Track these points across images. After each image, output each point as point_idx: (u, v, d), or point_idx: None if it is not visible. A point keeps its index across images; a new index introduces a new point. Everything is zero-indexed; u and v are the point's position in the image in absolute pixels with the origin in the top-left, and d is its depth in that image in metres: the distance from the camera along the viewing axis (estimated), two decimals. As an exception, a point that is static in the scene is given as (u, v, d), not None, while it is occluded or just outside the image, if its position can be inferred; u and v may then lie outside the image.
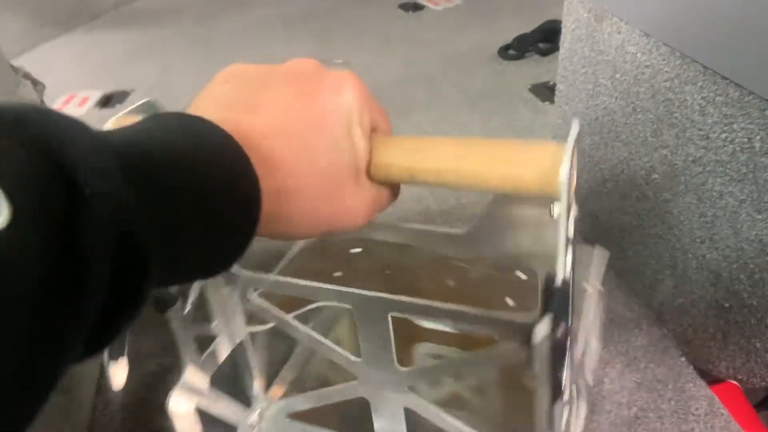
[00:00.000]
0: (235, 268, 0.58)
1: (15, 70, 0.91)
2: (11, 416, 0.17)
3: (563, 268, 0.42)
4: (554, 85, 1.65)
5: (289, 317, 0.61)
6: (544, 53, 1.81)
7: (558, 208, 0.43)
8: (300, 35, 2.28)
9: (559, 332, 0.43)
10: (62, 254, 0.18)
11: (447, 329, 0.75)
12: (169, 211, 0.25)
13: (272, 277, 0.59)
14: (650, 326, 0.87)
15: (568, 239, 0.43)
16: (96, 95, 1.87)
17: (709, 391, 0.78)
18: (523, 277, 0.70)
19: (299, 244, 0.74)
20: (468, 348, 0.74)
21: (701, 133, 0.71)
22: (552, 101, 1.55)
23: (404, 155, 0.43)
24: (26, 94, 0.83)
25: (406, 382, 0.60)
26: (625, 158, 0.87)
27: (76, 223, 0.19)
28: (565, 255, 0.43)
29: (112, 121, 0.45)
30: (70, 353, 0.20)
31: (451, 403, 0.73)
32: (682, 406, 0.77)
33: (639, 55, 0.80)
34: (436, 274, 0.75)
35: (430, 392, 0.73)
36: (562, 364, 0.44)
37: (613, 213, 0.92)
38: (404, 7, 2.41)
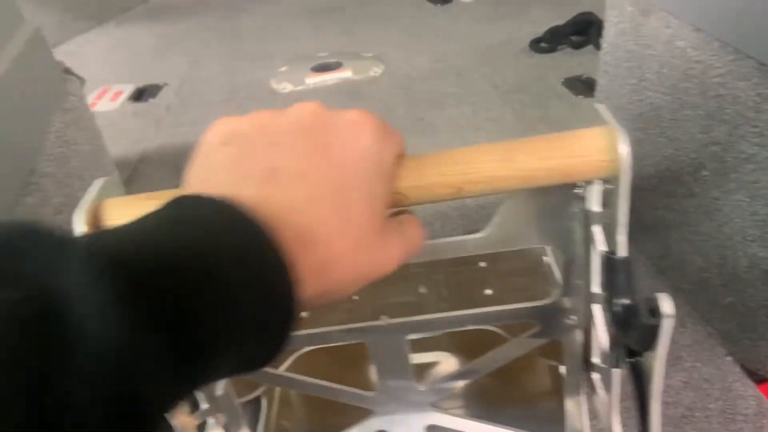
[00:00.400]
0: None
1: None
2: None
3: (624, 245, 0.43)
4: (588, 78, 1.63)
5: (287, 373, 0.60)
6: (577, 46, 1.79)
7: (593, 192, 0.45)
8: (326, 27, 2.27)
9: (621, 303, 0.43)
10: (40, 416, 0.16)
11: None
12: (190, 332, 0.22)
13: None
14: (695, 325, 0.86)
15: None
16: (129, 89, 1.89)
17: (758, 390, 0.77)
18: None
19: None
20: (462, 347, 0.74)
21: (755, 130, 0.70)
22: (586, 95, 1.54)
23: (448, 171, 0.42)
24: (73, 90, 0.84)
25: (429, 400, 0.60)
26: (671, 154, 0.86)
27: (61, 380, 0.17)
28: (625, 232, 0.43)
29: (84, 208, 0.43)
30: None
31: (470, 395, 0.72)
32: (729, 406, 0.76)
33: (689, 50, 0.78)
34: (404, 285, 0.73)
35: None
36: (628, 331, 0.44)
37: (658, 210, 0.90)
38: (432, -1, 2.40)
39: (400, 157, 0.40)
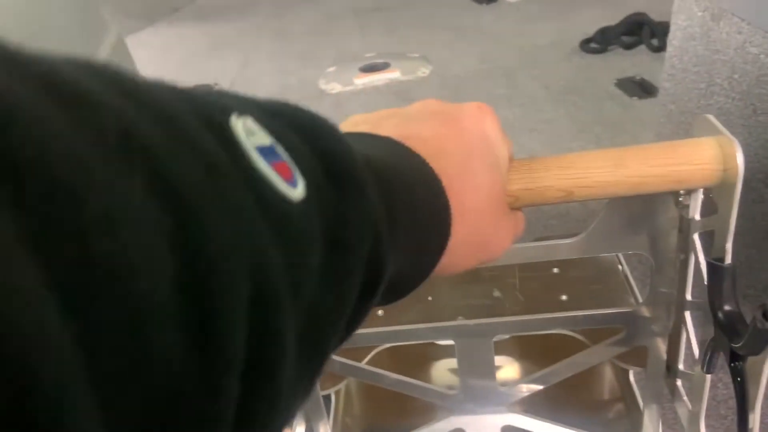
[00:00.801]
0: None
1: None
2: None
3: (730, 253, 0.44)
4: (641, 79, 1.63)
5: (370, 367, 0.62)
6: (628, 47, 1.78)
7: (696, 200, 0.46)
8: (372, 27, 2.29)
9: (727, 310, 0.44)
10: (334, 236, 0.20)
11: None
12: (392, 223, 0.25)
13: (359, 331, 0.58)
14: (763, 331, 0.85)
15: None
16: (182, 88, 1.93)
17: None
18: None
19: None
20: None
21: (835, 137, 0.69)
22: (640, 96, 1.53)
23: (561, 174, 0.44)
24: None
25: (507, 401, 0.61)
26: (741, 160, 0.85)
27: (343, 212, 0.20)
28: (731, 240, 0.44)
29: None
30: (338, 337, 0.21)
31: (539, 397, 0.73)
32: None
33: (762, 56, 0.78)
34: (478, 288, 0.75)
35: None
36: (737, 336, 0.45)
37: (724, 215, 0.90)
38: (478, -2, 2.40)
39: (510, 160, 0.41)
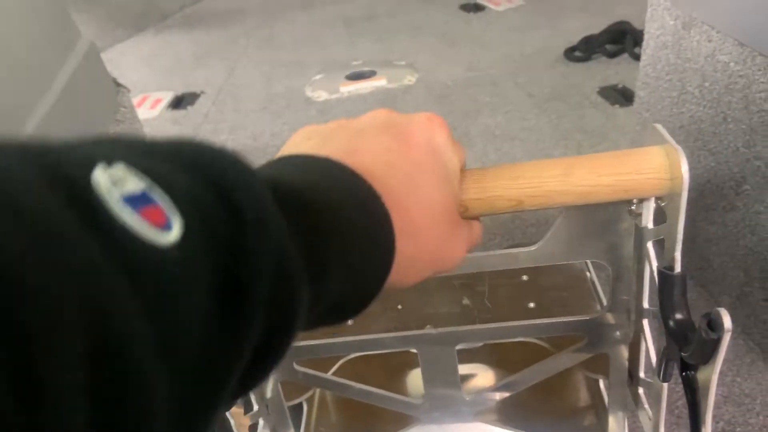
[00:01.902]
0: None
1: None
2: None
3: (679, 261, 0.44)
4: (624, 87, 1.63)
5: (336, 378, 0.62)
6: (612, 55, 1.79)
7: (648, 209, 0.46)
8: (361, 35, 2.30)
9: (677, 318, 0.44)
10: (227, 276, 0.19)
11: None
12: (317, 250, 0.24)
13: (321, 341, 0.58)
14: (736, 339, 0.86)
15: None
16: (168, 97, 1.94)
17: (800, 407, 0.77)
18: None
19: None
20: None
21: (801, 145, 0.70)
22: (622, 104, 1.54)
23: (510, 184, 0.44)
24: (124, 102, 0.88)
25: (473, 410, 0.61)
26: (712, 168, 0.86)
27: (240, 247, 0.19)
28: (680, 249, 0.44)
29: None
30: (228, 390, 0.20)
31: (508, 406, 0.73)
32: (772, 422, 0.75)
33: (732, 64, 0.78)
34: (447, 296, 0.74)
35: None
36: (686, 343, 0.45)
37: (698, 223, 0.91)
38: (465, 8, 2.41)
39: (462, 170, 0.41)
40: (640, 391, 0.58)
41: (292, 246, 0.22)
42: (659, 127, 0.44)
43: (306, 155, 0.30)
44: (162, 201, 0.17)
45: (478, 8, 2.38)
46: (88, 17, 2.34)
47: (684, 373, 0.45)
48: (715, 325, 0.39)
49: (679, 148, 0.42)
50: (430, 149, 0.34)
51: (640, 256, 0.51)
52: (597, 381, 0.73)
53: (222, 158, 0.21)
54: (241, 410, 0.59)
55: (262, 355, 0.21)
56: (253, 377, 0.21)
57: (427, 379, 0.59)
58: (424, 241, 0.32)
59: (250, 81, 2.03)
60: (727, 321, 0.38)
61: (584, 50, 1.81)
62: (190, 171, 0.19)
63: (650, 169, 0.42)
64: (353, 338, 0.57)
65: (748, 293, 0.84)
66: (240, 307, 0.19)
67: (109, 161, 0.16)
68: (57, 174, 0.15)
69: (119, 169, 0.16)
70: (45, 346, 0.13)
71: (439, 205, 0.33)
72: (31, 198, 0.14)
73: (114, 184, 0.16)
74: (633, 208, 0.49)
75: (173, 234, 0.17)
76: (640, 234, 0.49)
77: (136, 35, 2.50)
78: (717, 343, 0.39)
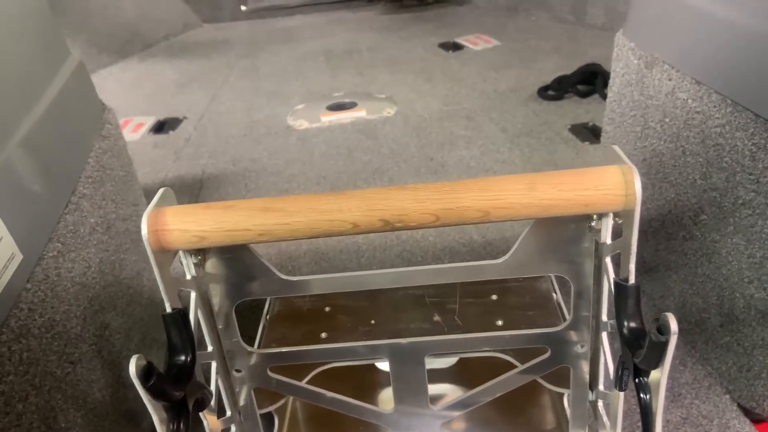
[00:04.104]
0: (249, 349, 0.59)
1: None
2: None
3: (633, 273, 0.48)
4: (594, 126, 1.70)
5: (309, 386, 0.63)
6: (583, 95, 1.86)
7: (607, 225, 0.50)
8: (343, 69, 2.36)
9: (632, 326, 0.47)
10: None
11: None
12: None
13: (294, 348, 0.60)
14: (695, 364, 0.89)
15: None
16: (150, 121, 1.96)
17: (754, 429, 0.80)
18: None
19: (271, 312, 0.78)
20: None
21: (752, 177, 0.74)
22: (591, 141, 1.60)
23: (479, 196, 0.47)
24: (110, 119, 0.90)
25: (440, 421, 0.63)
26: (672, 199, 0.90)
27: None
28: (634, 261, 0.47)
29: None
30: None
31: (476, 419, 0.75)
32: (727, 443, 0.78)
33: (690, 101, 0.83)
34: (419, 313, 0.77)
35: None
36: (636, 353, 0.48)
37: (659, 251, 0.95)
38: (444, 46, 2.48)
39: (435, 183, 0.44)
40: (600, 403, 0.61)
41: None
42: (616, 148, 0.48)
43: None
44: None
45: (456, 47, 2.46)
46: (72, 42, 2.36)
47: (636, 380, 0.48)
48: (663, 328, 0.42)
49: (633, 167, 0.46)
50: None
51: (599, 271, 0.54)
52: (561, 396, 0.75)
53: None
54: (215, 415, 0.60)
55: None
56: None
57: (397, 389, 0.61)
58: None
59: (232, 108, 2.06)
60: (673, 324, 0.41)
61: (557, 89, 1.88)
62: None
63: (607, 185, 0.46)
64: (327, 346, 0.59)
65: (705, 320, 0.88)
66: None
67: None
68: None
69: None
70: None
71: None
72: None
73: None
74: (593, 224, 0.52)
75: None
76: (599, 249, 0.53)
77: (121, 62, 2.53)
78: (665, 345, 0.42)
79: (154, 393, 0.46)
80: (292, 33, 2.87)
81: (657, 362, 0.44)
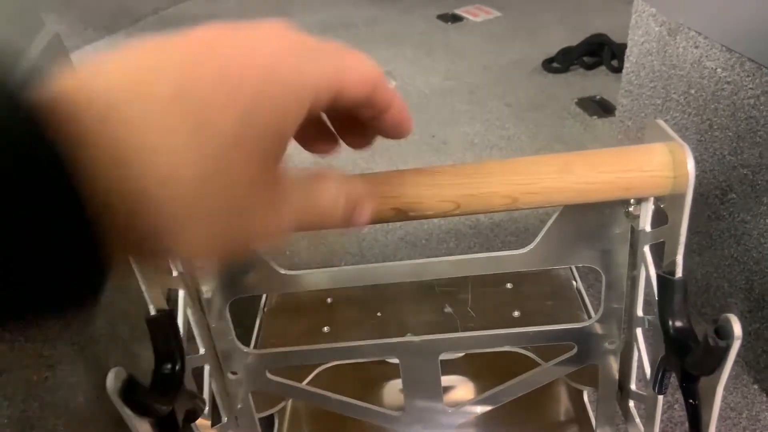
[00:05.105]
0: (246, 350, 0.54)
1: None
2: None
3: (681, 266, 0.42)
4: (602, 99, 1.63)
5: (311, 388, 0.58)
6: (589, 67, 1.79)
7: (647, 210, 0.44)
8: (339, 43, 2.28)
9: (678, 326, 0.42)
10: None
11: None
12: None
13: (296, 348, 0.54)
14: (720, 351, 0.84)
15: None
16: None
17: (786, 421, 0.75)
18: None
19: (269, 305, 0.72)
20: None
21: (789, 153, 0.68)
22: (600, 115, 1.53)
23: (505, 180, 0.41)
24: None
25: (455, 423, 0.58)
26: (697, 176, 0.84)
27: None
28: (682, 252, 0.42)
29: None
30: None
31: (490, 418, 0.70)
32: (758, 436, 0.74)
33: (719, 70, 0.77)
34: (429, 304, 0.71)
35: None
36: (686, 352, 0.42)
37: (681, 232, 0.89)
38: (443, 18, 2.40)
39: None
40: (631, 404, 0.56)
41: None
42: (662, 123, 0.42)
43: None
44: None
45: (456, 18, 2.37)
46: (57, 17, 2.28)
47: (684, 384, 0.43)
48: (723, 332, 0.36)
49: (684, 144, 0.39)
50: (230, 62, 0.22)
51: (635, 261, 0.48)
52: (581, 393, 0.70)
53: None
54: (208, 422, 0.54)
55: None
56: None
57: (408, 390, 0.56)
58: (184, 204, 0.21)
59: (224, 85, 1.99)
60: (737, 328, 0.35)
61: (562, 62, 1.81)
62: None
63: (653, 166, 0.40)
64: (330, 346, 0.54)
65: (732, 305, 0.82)
66: None
67: None
68: None
69: None
70: None
71: (221, 144, 0.21)
72: None
73: None
74: (630, 209, 0.46)
75: None
76: (636, 237, 0.47)
77: (108, 36, 2.44)
78: (725, 351, 0.36)
79: (138, 409, 0.40)
80: (286, 6, 2.78)
81: (712, 369, 0.39)
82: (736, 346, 0.36)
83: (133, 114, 0.19)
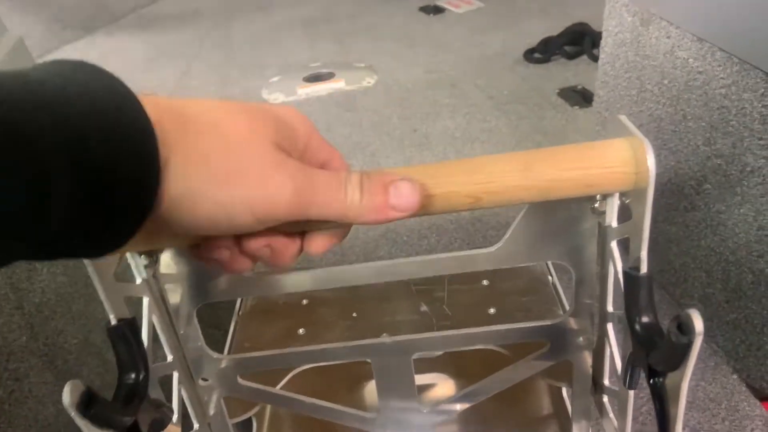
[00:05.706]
0: (215, 356, 0.53)
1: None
2: None
3: (646, 261, 0.41)
4: (583, 89, 1.63)
5: (284, 392, 0.57)
6: (571, 56, 1.78)
7: (612, 206, 0.44)
8: (321, 37, 2.26)
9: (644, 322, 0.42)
10: None
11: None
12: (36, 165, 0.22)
13: (266, 353, 0.53)
14: (699, 341, 0.84)
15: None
16: (118, 98, 1.86)
17: (765, 410, 0.75)
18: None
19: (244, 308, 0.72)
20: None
21: (761, 142, 0.68)
22: (581, 106, 1.53)
23: (467, 180, 0.40)
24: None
25: (431, 422, 0.58)
26: (672, 167, 0.84)
27: None
28: (646, 248, 0.41)
29: None
30: None
31: (468, 417, 0.70)
32: (736, 426, 0.74)
33: (691, 60, 0.77)
34: (405, 303, 0.71)
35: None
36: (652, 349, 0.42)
37: (659, 223, 0.89)
38: (425, 9, 2.39)
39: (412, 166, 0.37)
40: (605, 399, 0.56)
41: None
42: (624, 118, 0.42)
43: (76, 62, 0.26)
44: None
45: (438, 10, 2.36)
46: (35, 19, 2.25)
47: (651, 380, 0.42)
48: (685, 328, 0.36)
49: (645, 139, 0.39)
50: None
51: (604, 257, 0.48)
52: (560, 389, 0.70)
53: None
54: (179, 428, 0.54)
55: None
56: None
57: (382, 391, 0.55)
58: (210, 159, 0.29)
59: (205, 83, 1.97)
60: (698, 324, 0.35)
61: (543, 52, 1.80)
62: None
63: (615, 162, 0.39)
64: (303, 349, 0.53)
65: (710, 295, 0.82)
66: None
67: None
68: None
69: None
70: None
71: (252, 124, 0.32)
72: None
73: None
74: (596, 205, 0.46)
75: None
76: (603, 233, 0.46)
77: (87, 36, 2.41)
78: (688, 347, 0.36)
79: (98, 423, 0.39)
80: (268, 2, 2.76)
81: (677, 365, 0.38)
82: (698, 341, 0.36)
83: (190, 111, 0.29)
